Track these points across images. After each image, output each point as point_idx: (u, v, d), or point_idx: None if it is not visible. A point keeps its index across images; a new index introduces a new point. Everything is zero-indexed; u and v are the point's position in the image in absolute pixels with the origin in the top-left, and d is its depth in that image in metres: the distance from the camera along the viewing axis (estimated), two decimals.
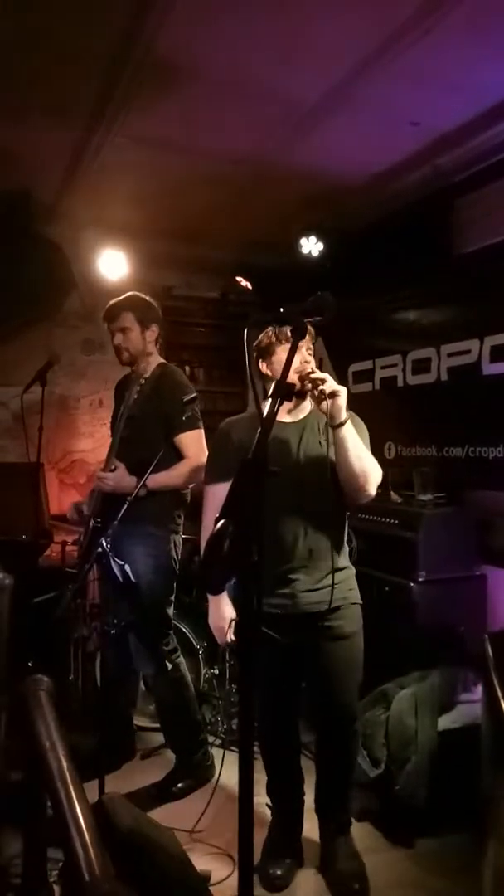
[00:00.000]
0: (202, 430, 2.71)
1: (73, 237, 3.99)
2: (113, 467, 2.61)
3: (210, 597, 2.11)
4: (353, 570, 2.20)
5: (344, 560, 2.18)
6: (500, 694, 1.11)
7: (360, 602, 2.18)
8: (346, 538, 2.19)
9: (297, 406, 2.17)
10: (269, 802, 2.34)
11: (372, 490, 2.04)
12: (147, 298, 2.81)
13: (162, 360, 2.84)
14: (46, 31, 2.27)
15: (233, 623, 2.06)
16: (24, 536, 3.33)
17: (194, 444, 2.65)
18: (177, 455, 2.65)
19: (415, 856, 2.29)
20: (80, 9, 2.14)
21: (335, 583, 2.04)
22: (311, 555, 2.08)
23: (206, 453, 2.51)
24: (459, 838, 2.18)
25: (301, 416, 2.18)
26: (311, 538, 2.08)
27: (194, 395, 2.66)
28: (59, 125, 2.90)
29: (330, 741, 2.24)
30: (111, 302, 2.82)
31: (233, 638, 2.08)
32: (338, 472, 2.01)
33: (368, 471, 2.01)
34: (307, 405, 2.18)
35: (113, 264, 3.98)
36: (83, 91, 2.63)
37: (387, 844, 2.37)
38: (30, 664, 2.47)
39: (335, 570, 2.06)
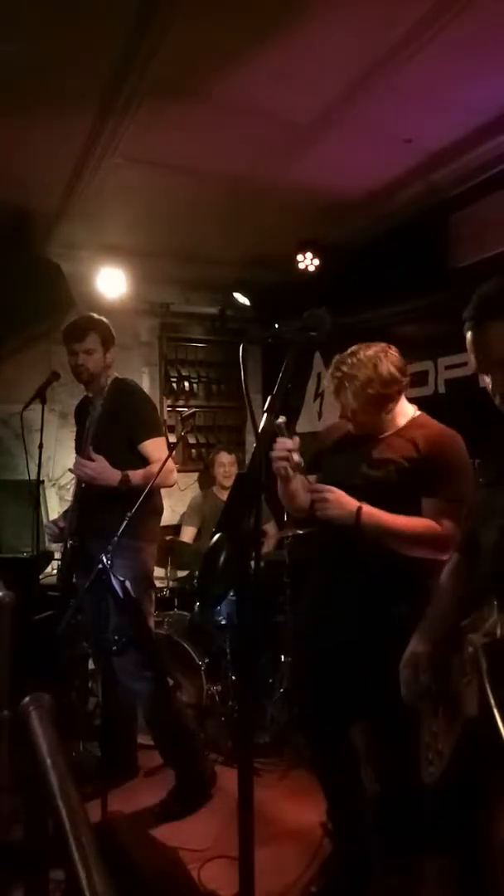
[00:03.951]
0: (164, 437, 2.78)
1: (72, 256, 4.03)
2: (93, 458, 2.64)
3: None
4: None
5: None
6: (493, 703, 1.10)
7: None
8: None
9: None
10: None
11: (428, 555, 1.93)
12: (107, 321, 2.86)
13: (117, 376, 2.88)
14: (45, 53, 2.31)
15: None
16: (24, 553, 3.33)
17: (158, 450, 2.70)
18: (143, 462, 2.70)
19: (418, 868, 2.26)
20: (79, 30, 2.19)
21: None
22: None
23: (170, 459, 2.59)
24: (463, 851, 2.15)
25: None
26: None
27: (153, 403, 2.80)
28: (58, 146, 2.94)
29: None
30: (74, 322, 2.87)
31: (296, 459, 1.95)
32: None
33: (417, 550, 1.93)
34: (392, 426, 2.12)
35: (111, 282, 4.02)
36: (81, 112, 2.67)
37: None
38: (31, 682, 2.46)
39: None
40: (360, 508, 1.91)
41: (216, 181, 3.27)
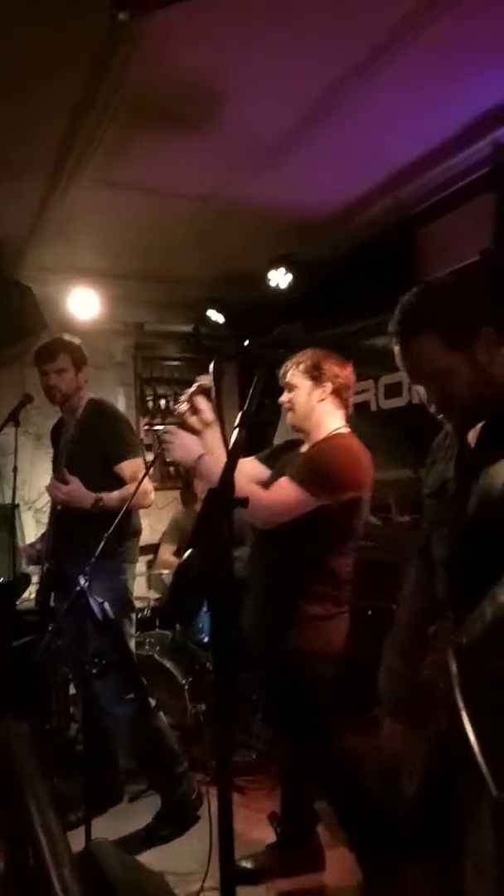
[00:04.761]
0: (141, 458, 2.77)
1: (43, 279, 4.03)
2: (68, 480, 2.63)
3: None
4: None
5: None
6: (463, 712, 1.10)
7: None
8: None
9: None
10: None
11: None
12: (79, 342, 2.87)
13: (91, 397, 2.88)
14: (13, 76, 2.32)
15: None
16: (0, 579, 3.28)
17: (135, 471, 2.69)
18: (119, 483, 2.69)
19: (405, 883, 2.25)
20: (46, 54, 2.20)
21: None
22: None
23: (147, 479, 2.57)
24: (443, 861, 2.15)
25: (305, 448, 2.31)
26: None
27: (129, 423, 2.83)
28: (26, 170, 2.95)
29: None
30: (44, 344, 2.88)
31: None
32: None
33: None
34: (315, 436, 2.28)
35: (83, 303, 4.02)
36: (49, 136, 2.69)
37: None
38: (10, 709, 2.42)
39: None
40: (201, 456, 1.99)
41: (186, 202, 3.30)
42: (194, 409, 2.06)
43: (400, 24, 2.10)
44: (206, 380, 2.05)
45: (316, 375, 2.22)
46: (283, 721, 2.23)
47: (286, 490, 2.05)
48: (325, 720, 2.19)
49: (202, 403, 2.07)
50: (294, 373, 2.25)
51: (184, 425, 2.03)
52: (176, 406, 2.08)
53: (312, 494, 2.03)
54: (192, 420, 2.07)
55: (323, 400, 2.23)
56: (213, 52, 2.21)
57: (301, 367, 2.23)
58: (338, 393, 2.25)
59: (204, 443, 2.04)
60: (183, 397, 2.08)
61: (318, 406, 2.24)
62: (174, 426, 2.04)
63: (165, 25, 2.00)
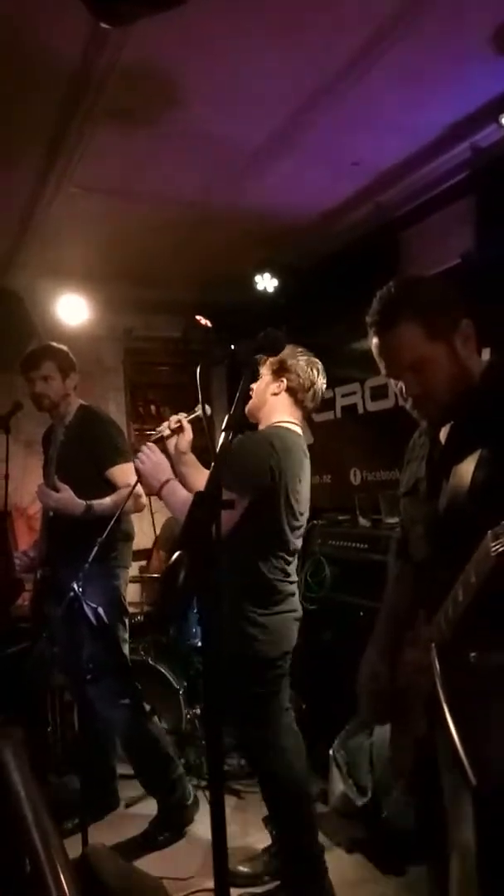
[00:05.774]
0: (132, 463, 2.79)
1: (32, 286, 4.03)
2: (59, 488, 2.64)
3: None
4: None
5: None
6: (446, 708, 1.11)
7: None
8: None
9: None
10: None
11: None
12: (66, 348, 2.87)
13: (82, 402, 2.89)
14: None
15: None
16: None
17: (125, 475, 2.68)
18: (110, 488, 2.69)
19: (407, 884, 2.27)
20: (27, 63, 2.21)
21: None
22: None
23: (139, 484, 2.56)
24: (437, 859, 2.17)
25: None
26: None
27: (119, 429, 2.87)
28: (11, 178, 2.96)
29: None
30: (30, 352, 2.89)
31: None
32: None
33: None
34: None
35: (72, 309, 4.03)
36: (33, 144, 2.70)
37: (378, 874, 2.35)
38: (4, 715, 2.42)
39: None
40: (168, 480, 2.02)
41: (172, 207, 3.32)
42: (180, 429, 2.08)
43: (380, 29, 2.13)
44: (206, 411, 2.02)
45: (276, 370, 2.24)
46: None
47: None
48: (256, 731, 2.17)
49: (188, 431, 2.10)
50: (265, 365, 2.28)
51: (160, 442, 2.04)
52: (162, 425, 2.10)
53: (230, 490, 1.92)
54: (171, 440, 2.08)
55: (277, 394, 2.25)
56: (195, 59, 2.23)
57: (271, 359, 2.25)
58: (292, 391, 2.24)
59: (173, 469, 2.06)
60: (174, 417, 2.11)
61: (269, 399, 2.25)
62: (154, 444, 2.06)
63: (146, 33, 2.03)
